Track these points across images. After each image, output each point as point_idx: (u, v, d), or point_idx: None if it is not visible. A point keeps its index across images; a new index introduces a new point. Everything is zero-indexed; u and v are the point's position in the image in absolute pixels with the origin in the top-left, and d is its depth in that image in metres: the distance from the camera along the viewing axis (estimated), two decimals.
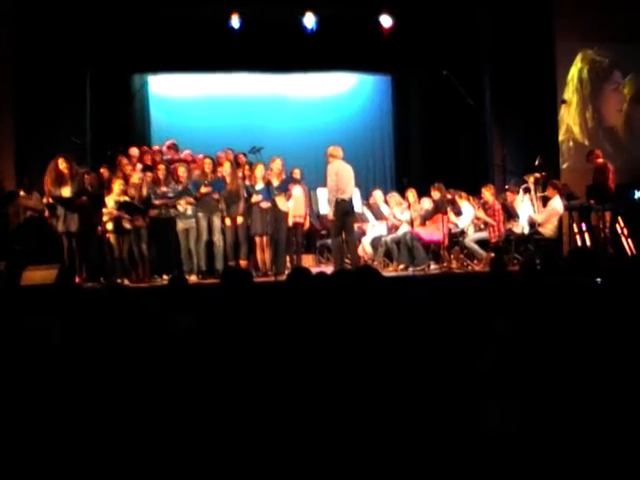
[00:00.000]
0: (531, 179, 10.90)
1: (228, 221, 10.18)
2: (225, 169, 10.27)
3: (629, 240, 10.72)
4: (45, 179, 9.63)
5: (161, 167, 10.29)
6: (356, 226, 10.69)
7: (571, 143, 12.91)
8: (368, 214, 11.56)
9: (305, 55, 12.81)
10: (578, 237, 10.88)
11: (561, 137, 12.79)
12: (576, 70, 13.03)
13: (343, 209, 9.77)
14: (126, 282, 9.60)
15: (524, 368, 3.06)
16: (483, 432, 2.65)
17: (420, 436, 2.66)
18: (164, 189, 10.01)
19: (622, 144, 13.10)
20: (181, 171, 10.23)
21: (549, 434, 2.64)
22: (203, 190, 10.02)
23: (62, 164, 9.57)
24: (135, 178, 10.05)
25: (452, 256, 10.87)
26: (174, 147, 11.62)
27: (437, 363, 3.11)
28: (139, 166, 10.70)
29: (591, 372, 3.01)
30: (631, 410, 2.73)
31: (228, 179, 10.17)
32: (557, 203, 10.62)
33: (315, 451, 2.64)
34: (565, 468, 2.54)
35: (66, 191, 9.57)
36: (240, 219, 10.18)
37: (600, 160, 11.29)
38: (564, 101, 12.64)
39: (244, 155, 11.21)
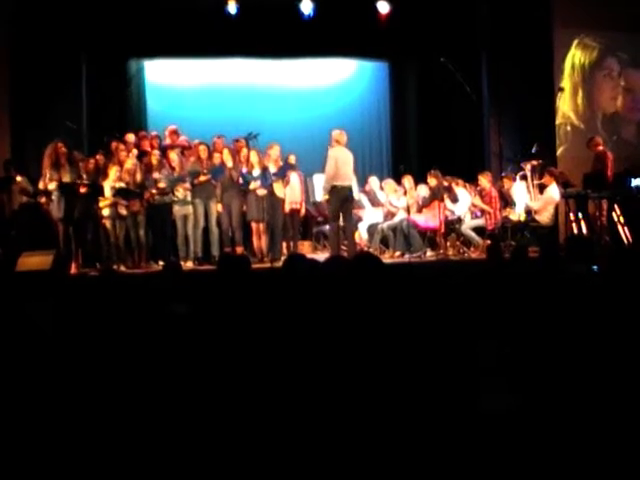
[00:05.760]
0: (528, 166, 10.91)
1: (219, 207, 10.18)
2: (225, 156, 10.25)
3: (625, 228, 10.71)
4: (44, 164, 9.60)
5: (155, 153, 10.27)
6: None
7: (568, 127, 12.90)
8: (364, 201, 11.55)
9: (302, 41, 12.76)
10: (574, 225, 10.87)
11: (558, 121, 12.77)
12: (570, 56, 13.00)
13: (340, 195, 9.75)
14: (122, 268, 9.59)
15: (523, 351, 3.07)
16: (482, 413, 2.66)
17: (420, 421, 2.66)
18: (157, 175, 9.97)
19: (618, 132, 13.10)
20: (173, 157, 10.17)
21: (548, 416, 2.64)
22: (202, 179, 10.01)
23: (61, 151, 9.54)
24: (129, 164, 10.00)
25: (448, 243, 10.88)
26: (176, 133, 11.54)
27: (436, 348, 3.11)
28: (134, 152, 10.66)
29: (588, 356, 3.02)
30: (628, 397, 2.74)
31: (229, 165, 10.17)
32: (554, 191, 10.63)
33: (312, 438, 2.64)
34: (562, 449, 2.55)
35: (65, 176, 9.54)
36: (235, 205, 10.17)
37: (600, 148, 11.27)
38: (561, 89, 12.61)
39: (244, 140, 11.17)
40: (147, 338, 3.41)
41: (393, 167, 14.08)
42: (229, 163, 10.19)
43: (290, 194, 10.62)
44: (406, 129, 14.66)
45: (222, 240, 10.23)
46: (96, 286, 4.59)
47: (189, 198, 10.04)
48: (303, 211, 11.15)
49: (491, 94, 12.68)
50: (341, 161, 9.73)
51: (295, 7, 12.05)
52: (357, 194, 11.29)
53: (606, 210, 10.93)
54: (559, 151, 12.70)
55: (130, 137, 10.98)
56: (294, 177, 10.73)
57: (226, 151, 10.38)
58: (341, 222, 10.06)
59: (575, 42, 12.99)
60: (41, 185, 9.69)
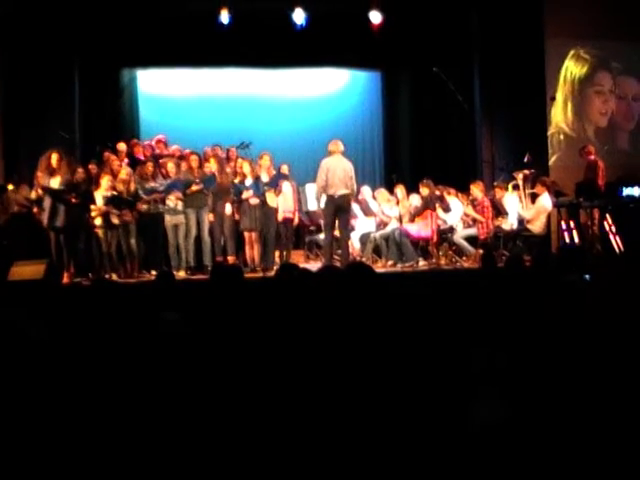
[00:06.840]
0: (520, 176, 10.94)
1: (211, 216, 10.17)
2: (212, 165, 10.26)
3: (617, 237, 10.75)
4: (37, 171, 9.59)
5: (150, 163, 10.27)
6: None
7: (561, 136, 12.97)
8: (357, 210, 11.56)
9: (295, 51, 12.78)
10: (566, 234, 10.91)
11: (551, 130, 12.83)
12: (565, 68, 13.08)
13: (333, 205, 9.75)
14: (114, 278, 9.57)
15: (516, 360, 3.07)
16: (474, 422, 2.66)
17: (412, 430, 2.66)
18: (152, 184, 9.98)
19: (611, 140, 13.18)
20: (170, 166, 10.21)
21: (541, 425, 2.65)
22: (195, 188, 10.01)
23: (54, 159, 9.51)
24: (123, 174, 9.99)
25: (441, 252, 10.88)
26: (163, 142, 11.58)
27: (428, 357, 3.11)
28: (126, 161, 10.66)
29: (580, 365, 3.03)
30: (622, 405, 2.74)
31: (217, 175, 10.17)
32: (546, 200, 10.67)
33: (306, 446, 2.64)
34: (554, 458, 2.55)
35: (55, 183, 9.52)
36: (228, 214, 10.18)
37: (592, 157, 11.33)
38: (553, 98, 12.68)
39: (236, 149, 11.18)
40: (140, 347, 3.41)
41: (385, 176, 14.09)
42: (217, 173, 10.19)
43: (283, 203, 10.62)
44: (398, 138, 14.68)
45: (214, 250, 10.22)
46: (88, 295, 4.58)
47: (180, 207, 10.04)
48: (296, 220, 11.15)
49: (483, 103, 12.73)
50: (331, 170, 9.73)
51: (288, 17, 12.07)
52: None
53: (598, 219, 10.98)
54: (551, 160, 12.77)
55: (121, 146, 10.98)
56: (287, 186, 10.73)
57: (212, 160, 10.38)
58: (336, 232, 10.05)
59: (571, 53, 13.07)
60: (33, 195, 9.68)
